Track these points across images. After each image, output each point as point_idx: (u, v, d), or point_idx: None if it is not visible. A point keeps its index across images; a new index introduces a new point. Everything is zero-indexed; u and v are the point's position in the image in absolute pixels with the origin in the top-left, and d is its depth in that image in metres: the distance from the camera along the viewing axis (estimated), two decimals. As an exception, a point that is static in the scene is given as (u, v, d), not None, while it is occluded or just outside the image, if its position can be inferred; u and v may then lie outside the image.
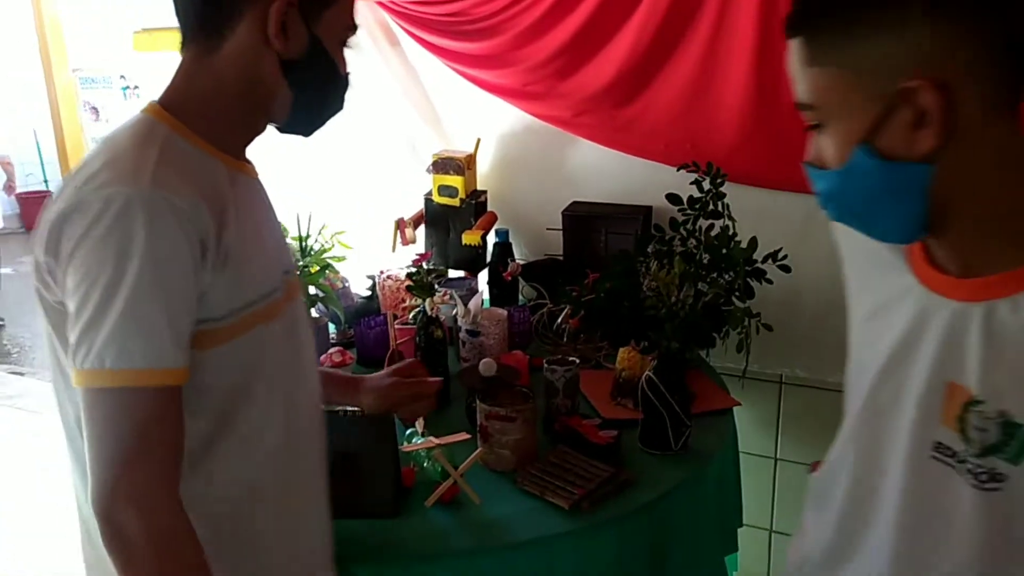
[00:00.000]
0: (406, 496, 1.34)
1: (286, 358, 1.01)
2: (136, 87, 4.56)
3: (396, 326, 1.75)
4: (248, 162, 1.02)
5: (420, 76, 2.29)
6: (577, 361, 1.59)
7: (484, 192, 2.25)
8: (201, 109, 0.93)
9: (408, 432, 1.44)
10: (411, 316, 1.83)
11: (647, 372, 1.48)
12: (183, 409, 0.86)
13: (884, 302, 0.85)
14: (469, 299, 1.83)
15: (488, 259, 2.15)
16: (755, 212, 1.87)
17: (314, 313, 1.89)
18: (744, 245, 1.49)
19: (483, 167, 2.28)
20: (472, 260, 2.19)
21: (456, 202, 2.19)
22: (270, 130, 1.03)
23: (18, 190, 7.63)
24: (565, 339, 1.87)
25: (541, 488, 1.33)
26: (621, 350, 1.67)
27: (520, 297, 2.11)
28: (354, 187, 2.41)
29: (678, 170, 1.65)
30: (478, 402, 1.43)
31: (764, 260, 1.48)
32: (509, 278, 2.05)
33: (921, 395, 0.78)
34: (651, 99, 1.98)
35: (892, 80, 0.68)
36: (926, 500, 0.79)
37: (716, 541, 1.53)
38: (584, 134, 2.11)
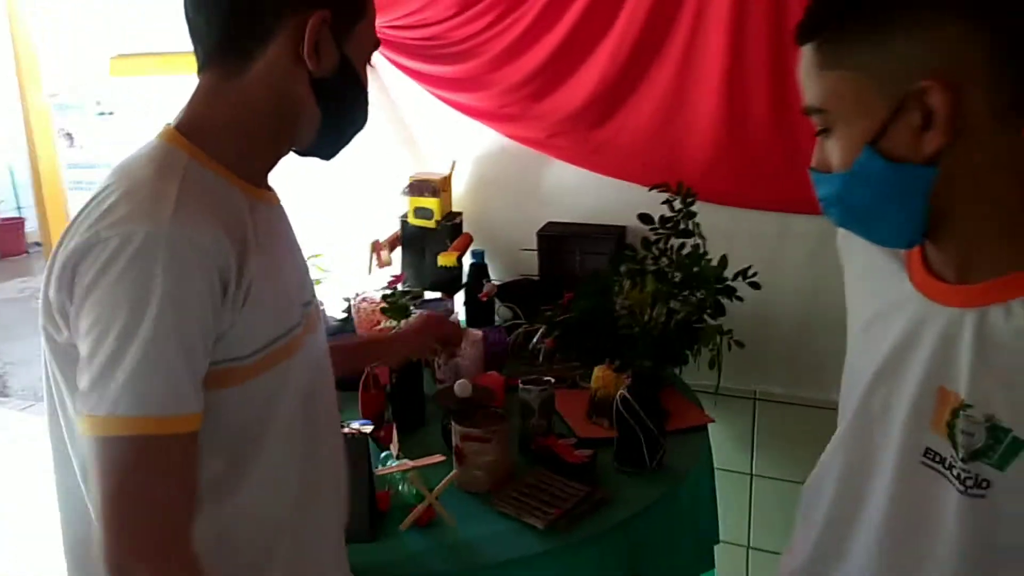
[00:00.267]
0: (381, 520, 1.33)
1: (307, 392, 0.96)
2: (112, 112, 4.54)
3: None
4: (269, 188, 0.98)
5: (395, 98, 2.31)
6: (552, 381, 1.59)
7: (459, 214, 2.26)
8: (223, 134, 0.89)
9: (383, 455, 1.43)
10: (387, 338, 1.83)
11: (621, 391, 1.49)
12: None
13: (882, 310, 0.86)
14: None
15: (464, 280, 2.16)
16: (728, 231, 1.90)
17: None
18: (715, 263, 1.51)
19: (458, 189, 2.30)
20: (448, 281, 2.20)
21: (432, 224, 2.20)
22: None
23: (-9, 216, 7.55)
24: (541, 359, 1.88)
25: (517, 509, 1.33)
26: (596, 369, 1.68)
27: (496, 318, 2.12)
28: (329, 210, 2.41)
29: (650, 190, 1.67)
30: (453, 423, 1.43)
31: (734, 278, 1.50)
32: (485, 299, 2.05)
33: (913, 401, 0.79)
34: (624, 121, 2.01)
35: (904, 82, 0.69)
36: (914, 507, 0.80)
37: (693, 558, 1.53)
38: (558, 155, 2.13)
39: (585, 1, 1.92)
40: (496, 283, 2.13)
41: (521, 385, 1.57)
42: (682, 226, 1.55)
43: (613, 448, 1.50)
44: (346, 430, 1.27)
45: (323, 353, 1.05)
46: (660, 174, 1.85)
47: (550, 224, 2.16)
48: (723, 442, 2.03)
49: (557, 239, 2.11)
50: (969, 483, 0.74)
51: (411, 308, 1.83)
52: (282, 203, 1.01)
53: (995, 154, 0.70)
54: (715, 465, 1.78)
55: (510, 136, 2.17)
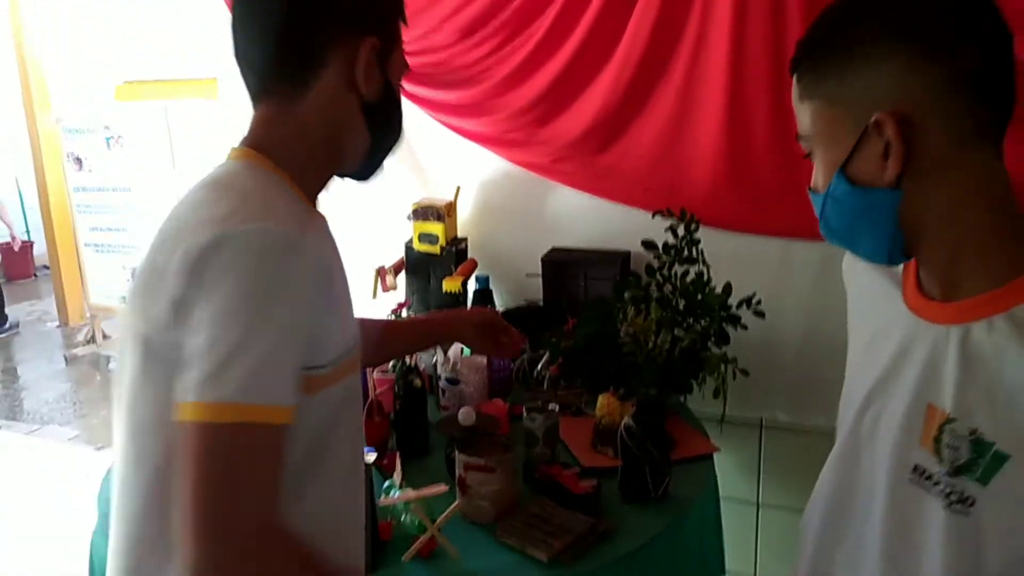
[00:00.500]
0: (382, 550, 1.31)
1: (357, 412, 1.00)
2: (120, 137, 4.58)
3: (375, 375, 1.74)
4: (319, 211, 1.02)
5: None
6: (556, 409, 1.58)
7: (464, 239, 2.26)
8: (288, 156, 0.93)
9: (385, 485, 1.42)
10: (390, 365, 1.82)
11: (626, 419, 1.48)
12: None
13: (878, 330, 0.88)
14: (449, 347, 1.83)
15: (468, 306, 2.15)
16: (733, 256, 1.90)
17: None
18: (719, 291, 1.50)
19: (463, 214, 2.30)
20: (453, 307, 2.19)
21: (436, 249, 2.20)
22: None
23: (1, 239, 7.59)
24: (546, 386, 1.87)
25: (521, 540, 1.32)
26: (601, 396, 1.67)
27: (500, 343, 2.11)
28: (334, 235, 2.41)
29: (653, 216, 1.67)
30: (456, 452, 1.42)
31: (739, 306, 1.50)
32: (489, 325, 2.04)
33: (903, 418, 0.80)
34: (628, 146, 2.01)
35: (866, 113, 0.73)
36: (903, 525, 0.80)
37: (699, 590, 1.51)
38: (563, 180, 2.14)
39: (588, 27, 1.93)
40: (500, 309, 2.13)
41: (525, 413, 1.56)
42: (686, 253, 1.55)
43: (617, 477, 1.49)
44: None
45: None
46: (663, 199, 1.86)
47: (554, 250, 2.16)
48: (729, 470, 2.01)
49: (561, 264, 2.11)
50: (953, 499, 0.75)
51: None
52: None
53: (961, 178, 0.74)
54: (721, 494, 1.76)
55: (514, 161, 2.18)
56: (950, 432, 0.75)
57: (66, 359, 5.49)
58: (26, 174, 5.98)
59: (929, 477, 0.77)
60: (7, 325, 6.19)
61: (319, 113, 0.93)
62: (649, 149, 1.99)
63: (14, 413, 4.66)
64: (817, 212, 0.82)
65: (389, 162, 1.06)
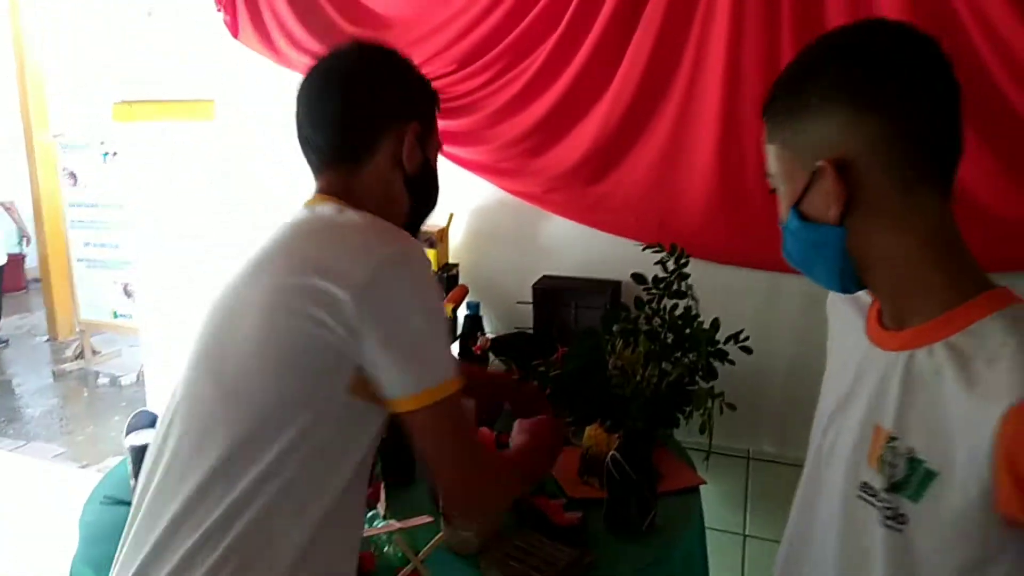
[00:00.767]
0: (366, 581, 1.31)
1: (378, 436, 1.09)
2: (115, 153, 4.59)
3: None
4: None
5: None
6: (543, 439, 1.58)
7: (456, 265, 2.27)
8: (355, 207, 1.08)
9: (370, 514, 1.42)
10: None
11: (612, 451, 1.48)
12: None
13: (843, 358, 0.96)
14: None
15: (458, 332, 2.15)
16: (722, 288, 1.91)
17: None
18: (707, 325, 1.51)
19: (455, 240, 2.31)
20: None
21: (428, 275, 2.20)
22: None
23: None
24: (534, 415, 1.86)
25: (505, 573, 1.31)
26: (588, 428, 1.67)
27: (490, 371, 2.11)
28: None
29: (643, 250, 1.68)
30: (442, 482, 1.42)
31: (726, 341, 1.50)
32: (479, 352, 2.05)
33: (855, 439, 0.88)
34: (620, 178, 2.03)
35: (814, 158, 0.81)
36: (854, 542, 0.86)
37: (683, 624, 1.50)
38: (555, 210, 2.15)
39: (584, 61, 1.96)
40: (490, 336, 2.13)
41: (512, 443, 1.56)
42: (675, 287, 1.56)
43: (603, 509, 1.48)
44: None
45: None
46: (655, 230, 1.87)
47: (546, 277, 2.17)
48: (716, 501, 2.01)
49: (552, 293, 2.12)
50: (888, 514, 0.81)
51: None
52: None
53: (903, 220, 0.81)
54: (708, 525, 1.76)
55: (507, 190, 2.19)
56: (891, 450, 0.82)
57: (54, 374, 5.46)
58: (22, 188, 5.97)
59: (874, 494, 0.84)
60: (-2, 338, 6.15)
61: (372, 186, 1.10)
62: (642, 181, 2.01)
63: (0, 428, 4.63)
64: (782, 243, 0.91)
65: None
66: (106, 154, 4.83)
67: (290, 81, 2.37)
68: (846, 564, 0.88)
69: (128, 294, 4.94)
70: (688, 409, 1.46)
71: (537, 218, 2.20)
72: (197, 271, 2.74)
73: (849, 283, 0.87)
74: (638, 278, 1.58)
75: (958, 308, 0.80)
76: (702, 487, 1.69)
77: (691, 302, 1.56)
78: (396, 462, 1.64)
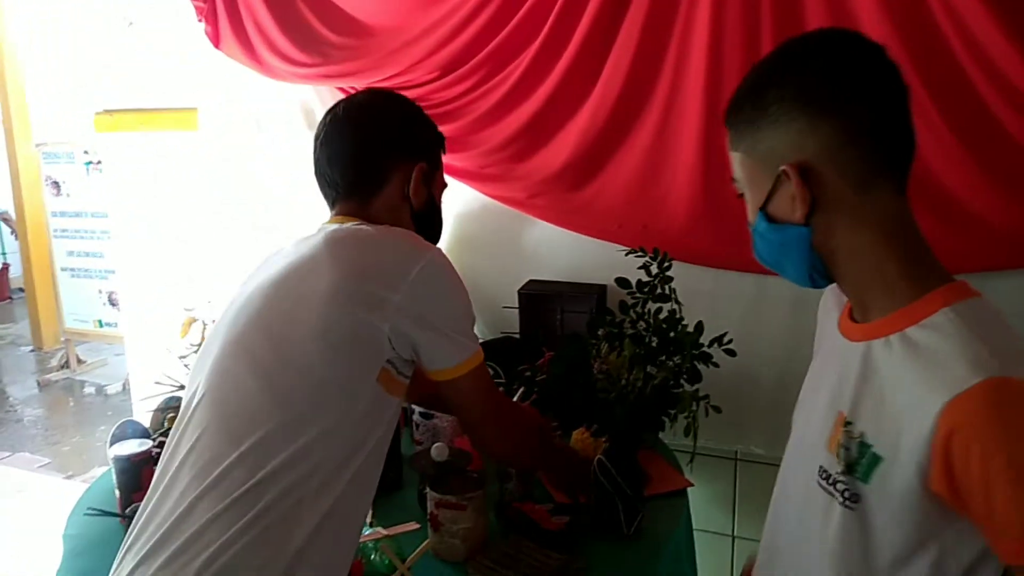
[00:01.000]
0: (353, 589, 1.31)
1: (389, 436, 1.18)
2: (99, 162, 4.56)
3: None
4: None
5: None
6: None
7: (442, 271, 2.27)
8: None
9: (357, 522, 1.41)
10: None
11: (598, 455, 1.48)
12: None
13: (819, 350, 1.03)
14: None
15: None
16: (709, 291, 1.92)
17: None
18: (691, 328, 1.52)
19: (440, 245, 2.30)
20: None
21: (413, 281, 2.20)
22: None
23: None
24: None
25: (492, 579, 1.31)
26: (574, 432, 1.67)
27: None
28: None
29: (626, 255, 1.68)
30: (428, 490, 1.42)
31: (710, 344, 1.51)
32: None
33: (819, 425, 0.93)
34: (604, 182, 2.04)
35: (775, 164, 0.86)
36: (816, 520, 0.91)
37: (671, 627, 1.51)
38: (539, 215, 2.15)
39: (566, 67, 1.96)
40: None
41: (498, 449, 1.56)
42: (659, 290, 1.56)
43: (590, 513, 1.49)
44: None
45: None
46: (638, 234, 1.88)
47: (531, 282, 2.17)
48: (704, 503, 2.02)
49: (538, 297, 2.12)
50: (847, 495, 0.87)
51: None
52: None
53: (861, 216, 0.85)
54: (696, 526, 1.76)
55: (491, 195, 2.20)
56: (846, 435, 0.87)
57: (39, 384, 5.42)
58: (4, 197, 5.92)
59: (828, 477, 0.89)
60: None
61: (382, 216, 1.23)
62: (625, 185, 2.01)
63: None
64: (752, 245, 0.96)
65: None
66: (89, 163, 4.80)
67: (273, 89, 2.38)
68: (812, 541, 0.93)
69: (113, 303, 4.91)
70: (673, 412, 1.46)
71: (522, 223, 2.20)
72: (181, 279, 2.73)
73: (818, 278, 0.92)
74: (622, 282, 1.59)
75: (916, 302, 0.84)
76: (691, 488, 1.69)
77: (675, 306, 1.57)
78: (383, 468, 1.64)
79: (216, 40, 2.35)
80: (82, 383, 5.38)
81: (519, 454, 1.37)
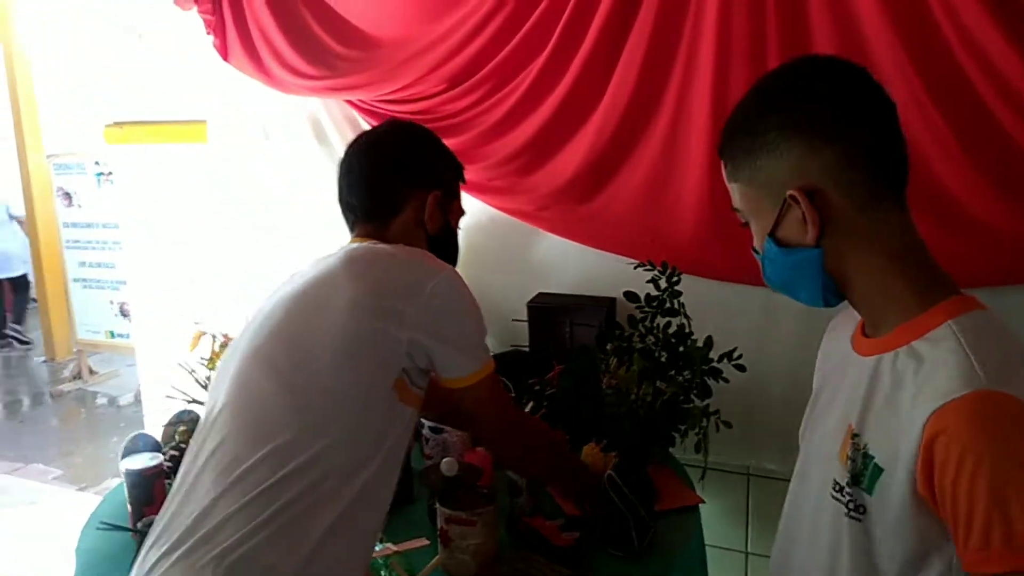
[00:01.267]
0: (362, 607, 1.30)
1: (405, 448, 1.22)
2: (110, 173, 4.59)
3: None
4: None
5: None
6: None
7: (450, 283, 2.26)
8: None
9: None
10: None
11: (608, 471, 1.48)
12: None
13: (833, 365, 1.04)
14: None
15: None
16: (718, 305, 1.91)
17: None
18: (701, 342, 1.51)
19: (451, 261, 2.30)
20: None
21: (422, 294, 2.20)
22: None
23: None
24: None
25: (501, 596, 1.31)
26: (584, 447, 1.66)
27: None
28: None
29: (635, 268, 1.68)
30: (438, 505, 1.41)
31: (720, 359, 1.50)
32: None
33: (831, 438, 0.94)
34: (612, 195, 2.03)
35: (780, 191, 0.88)
36: (827, 532, 0.92)
37: (683, 644, 1.49)
38: (547, 227, 2.15)
39: (573, 80, 1.96)
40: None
41: (509, 463, 1.55)
42: (668, 305, 1.56)
43: (601, 529, 1.48)
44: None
45: None
46: (647, 247, 1.87)
47: (541, 295, 2.17)
48: (717, 518, 2.01)
49: (547, 311, 2.12)
50: (852, 506, 0.88)
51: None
52: None
53: (866, 235, 0.87)
54: (709, 542, 1.75)
55: (499, 208, 2.19)
56: (853, 446, 0.88)
57: (52, 395, 5.44)
58: (16, 208, 5.96)
59: (841, 489, 0.90)
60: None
61: (398, 240, 1.29)
62: (633, 198, 2.01)
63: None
64: (761, 270, 0.97)
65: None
66: (100, 174, 4.84)
67: (283, 102, 2.39)
68: (822, 554, 0.94)
69: (124, 314, 4.94)
70: (683, 428, 1.45)
71: (531, 235, 2.20)
72: (192, 290, 2.74)
73: (831, 297, 0.93)
74: (631, 296, 1.58)
75: (921, 315, 0.86)
76: (702, 504, 1.68)
77: (684, 320, 1.56)
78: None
79: (225, 53, 2.36)
80: (94, 394, 5.41)
81: (530, 460, 1.42)
